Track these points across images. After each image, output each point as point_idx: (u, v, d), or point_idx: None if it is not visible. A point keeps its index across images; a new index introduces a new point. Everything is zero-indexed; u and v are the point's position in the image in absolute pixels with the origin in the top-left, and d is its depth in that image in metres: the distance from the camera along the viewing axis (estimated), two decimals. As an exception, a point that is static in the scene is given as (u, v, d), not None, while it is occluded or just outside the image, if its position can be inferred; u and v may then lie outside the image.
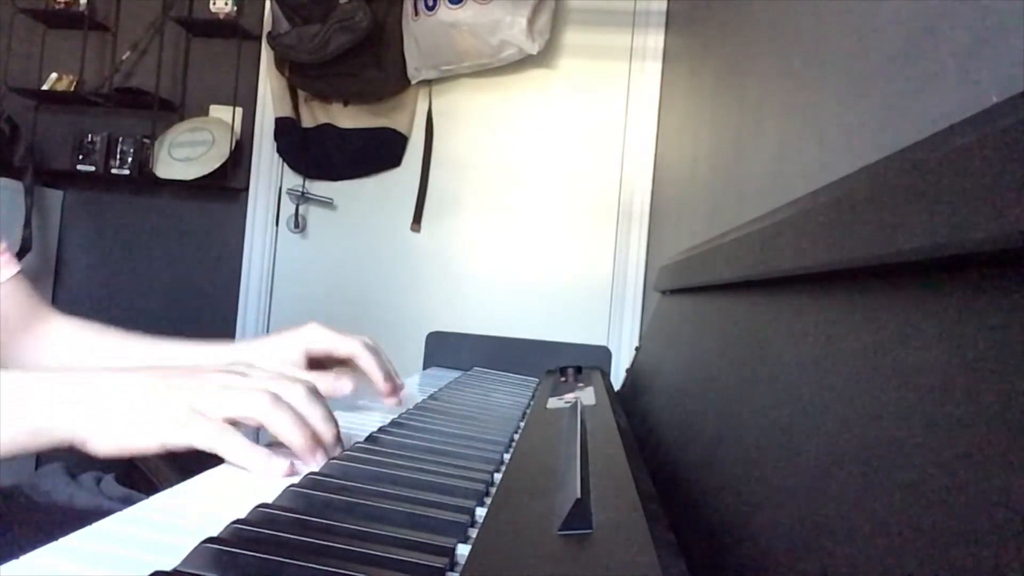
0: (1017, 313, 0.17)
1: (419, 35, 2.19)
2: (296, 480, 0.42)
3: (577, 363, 0.88)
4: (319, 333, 0.70)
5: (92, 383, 0.48)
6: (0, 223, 2.26)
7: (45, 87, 2.45)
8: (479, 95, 2.38)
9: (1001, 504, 0.16)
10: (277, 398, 0.47)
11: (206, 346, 0.74)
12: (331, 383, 0.61)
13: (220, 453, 0.45)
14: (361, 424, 0.64)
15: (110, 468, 0.76)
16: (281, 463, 0.45)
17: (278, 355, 0.69)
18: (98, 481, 0.71)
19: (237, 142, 2.41)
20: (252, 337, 0.75)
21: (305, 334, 0.70)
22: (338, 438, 0.51)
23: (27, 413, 0.46)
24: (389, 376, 0.72)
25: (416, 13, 2.18)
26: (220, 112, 2.47)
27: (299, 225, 2.43)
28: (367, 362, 0.70)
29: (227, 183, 2.39)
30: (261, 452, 0.46)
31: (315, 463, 0.47)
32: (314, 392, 0.50)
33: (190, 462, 0.48)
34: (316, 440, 0.48)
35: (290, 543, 0.33)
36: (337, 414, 0.68)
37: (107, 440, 0.46)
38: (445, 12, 2.10)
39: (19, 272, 0.78)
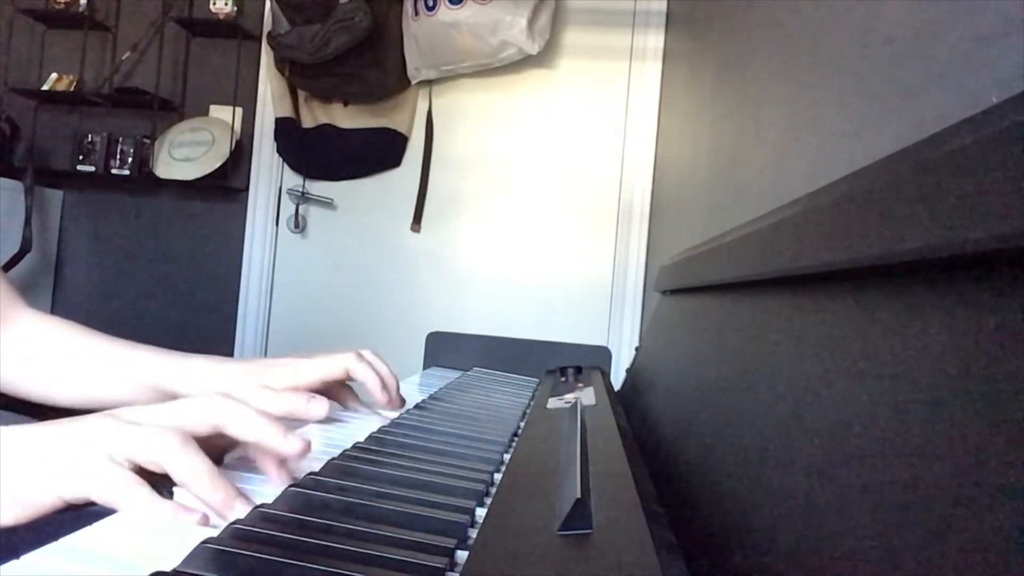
0: (1017, 313, 0.17)
1: (419, 35, 2.19)
2: (293, 482, 0.42)
3: (577, 363, 0.88)
4: (307, 367, 0.66)
5: None
6: (0, 223, 2.26)
7: (45, 87, 2.46)
8: (479, 95, 2.38)
9: (1001, 504, 0.16)
10: (186, 439, 0.40)
11: (197, 359, 0.68)
12: (303, 406, 0.56)
13: (120, 508, 0.38)
14: (361, 424, 0.64)
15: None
16: (192, 516, 0.37)
17: (264, 379, 0.64)
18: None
19: (237, 142, 2.41)
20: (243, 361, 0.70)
21: (293, 371, 0.66)
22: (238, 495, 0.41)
23: None
24: (386, 388, 0.70)
25: (416, 13, 2.18)
26: (220, 112, 2.47)
27: (299, 225, 2.43)
28: (363, 375, 0.68)
29: (227, 183, 2.39)
30: (167, 505, 0.38)
31: (230, 516, 0.38)
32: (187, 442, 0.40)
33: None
34: (231, 490, 0.40)
35: (289, 543, 0.33)
36: (339, 413, 0.68)
37: (6, 513, 0.38)
38: (445, 12, 2.10)
39: None
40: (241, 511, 0.38)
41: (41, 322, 0.74)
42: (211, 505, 0.38)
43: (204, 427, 0.43)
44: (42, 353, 0.73)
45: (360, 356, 0.68)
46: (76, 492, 0.38)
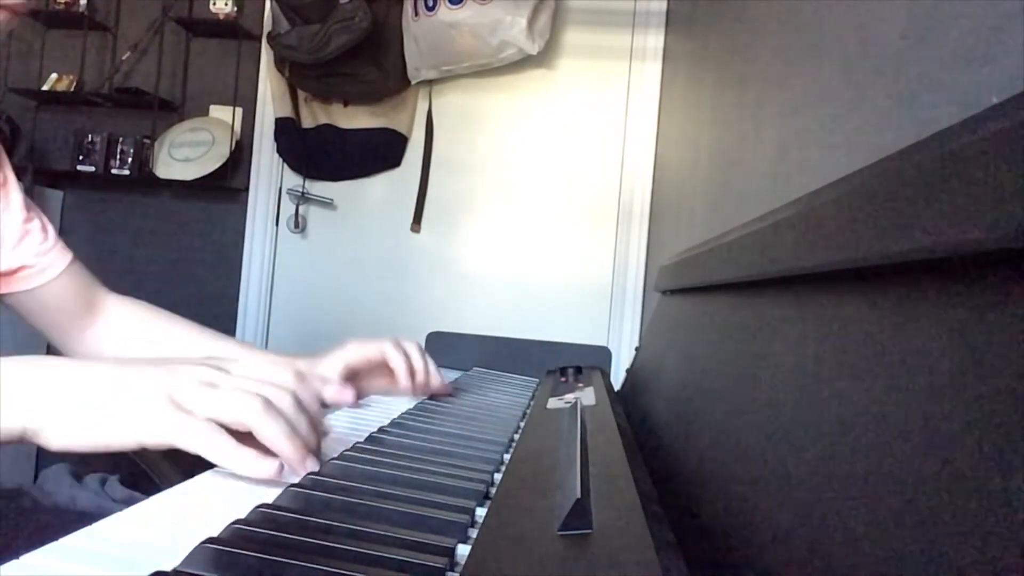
0: (1017, 313, 0.17)
1: (419, 35, 2.19)
2: (294, 480, 0.42)
3: (577, 363, 0.88)
4: (353, 346, 0.74)
5: (46, 369, 0.44)
6: (0, 223, 2.26)
7: (45, 87, 2.46)
8: (479, 95, 2.38)
9: (1001, 504, 0.16)
10: (268, 403, 0.44)
11: (253, 350, 0.76)
12: (335, 392, 0.61)
13: (207, 455, 0.42)
14: (361, 424, 0.64)
15: (115, 470, 0.76)
16: (271, 464, 0.42)
17: (315, 371, 0.71)
18: (103, 483, 0.71)
19: (237, 142, 2.41)
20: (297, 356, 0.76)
21: (343, 352, 0.74)
22: (319, 449, 0.48)
23: None
24: (414, 372, 0.75)
25: (416, 13, 2.18)
26: (220, 112, 2.47)
27: (299, 225, 2.43)
28: (395, 362, 0.74)
29: (227, 183, 2.39)
30: (248, 454, 0.42)
31: (304, 471, 0.44)
32: (300, 402, 0.47)
33: (195, 464, 0.47)
34: (306, 449, 0.45)
35: (290, 543, 0.33)
36: (338, 414, 0.68)
37: (67, 433, 0.42)
38: (445, 12, 2.10)
39: (73, 259, 0.80)
40: (312, 466, 0.44)
41: (122, 305, 0.82)
42: (288, 460, 0.43)
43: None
44: (126, 336, 0.81)
45: (397, 344, 0.75)
46: (159, 439, 0.42)
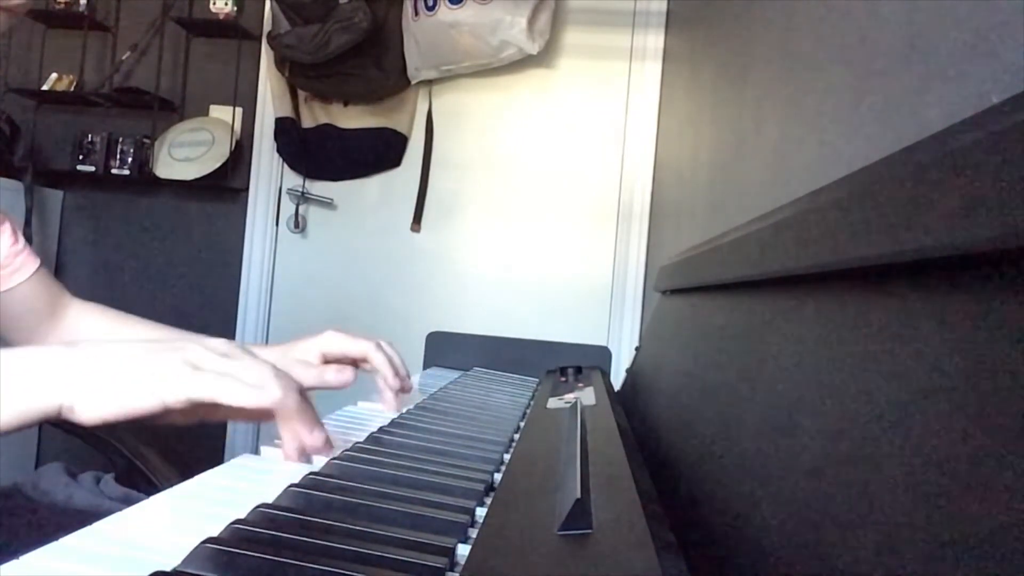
0: (1017, 313, 0.17)
1: (419, 35, 2.19)
2: (295, 480, 0.42)
3: (577, 363, 0.88)
4: (334, 337, 0.73)
5: (74, 348, 0.46)
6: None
7: (45, 87, 2.45)
8: (479, 95, 2.38)
9: (1001, 504, 0.16)
10: (278, 370, 0.47)
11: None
12: (334, 374, 0.61)
13: (222, 398, 0.44)
14: (361, 424, 0.64)
15: (109, 468, 0.76)
16: (274, 391, 0.44)
17: (293, 355, 0.70)
18: (97, 480, 0.71)
19: (237, 142, 2.41)
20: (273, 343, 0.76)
21: (321, 339, 0.73)
22: (328, 441, 0.50)
23: (6, 389, 0.44)
24: (398, 375, 0.74)
25: (416, 13, 2.18)
26: (220, 112, 2.47)
27: (299, 225, 2.43)
28: (379, 361, 0.72)
29: (227, 183, 2.39)
30: (255, 388, 0.44)
31: (316, 443, 0.47)
32: (305, 401, 0.49)
33: (192, 463, 0.48)
34: (319, 425, 0.48)
35: (290, 543, 0.33)
36: (339, 413, 0.68)
37: (97, 404, 0.44)
38: (445, 12, 2.10)
39: (41, 263, 0.80)
40: (329, 453, 0.47)
41: (86, 310, 0.81)
42: (308, 444, 0.46)
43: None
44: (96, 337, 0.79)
45: (379, 346, 0.74)
46: (178, 395, 0.44)
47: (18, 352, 0.46)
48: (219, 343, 0.48)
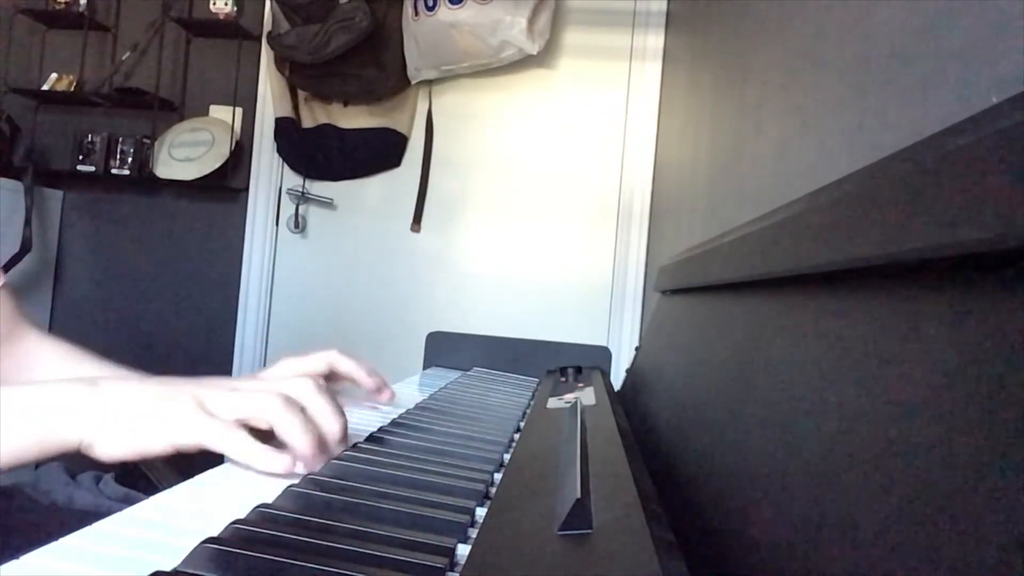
0: (1017, 313, 0.17)
1: (419, 35, 2.19)
2: (296, 480, 0.42)
3: (577, 363, 0.88)
4: (290, 363, 0.67)
5: (96, 387, 0.48)
6: (0, 223, 2.26)
7: (45, 87, 2.45)
8: (479, 95, 2.38)
9: (1001, 504, 0.16)
10: (288, 400, 0.48)
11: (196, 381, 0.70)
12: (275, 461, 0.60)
13: (226, 453, 0.46)
14: (361, 424, 0.64)
15: (109, 468, 0.76)
16: (284, 459, 0.46)
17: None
18: (97, 481, 0.71)
19: (237, 142, 2.41)
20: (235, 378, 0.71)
21: (278, 368, 0.67)
22: (345, 433, 0.51)
23: (31, 422, 0.46)
24: (373, 372, 0.72)
25: (416, 13, 2.18)
26: (220, 112, 2.47)
27: (299, 225, 2.43)
28: (347, 366, 0.69)
29: (227, 183, 2.39)
30: (263, 450, 0.46)
31: (316, 467, 0.47)
32: (322, 387, 0.51)
33: (190, 462, 0.48)
34: (322, 444, 0.48)
35: (290, 543, 0.33)
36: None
37: (114, 443, 0.46)
38: (445, 12, 2.10)
39: (4, 284, 0.76)
40: (320, 465, 0.47)
41: (43, 343, 0.77)
42: (302, 456, 0.46)
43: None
44: (35, 378, 0.74)
45: (339, 352, 0.69)
46: (188, 439, 0.45)
47: (47, 386, 0.48)
48: (224, 381, 0.50)
